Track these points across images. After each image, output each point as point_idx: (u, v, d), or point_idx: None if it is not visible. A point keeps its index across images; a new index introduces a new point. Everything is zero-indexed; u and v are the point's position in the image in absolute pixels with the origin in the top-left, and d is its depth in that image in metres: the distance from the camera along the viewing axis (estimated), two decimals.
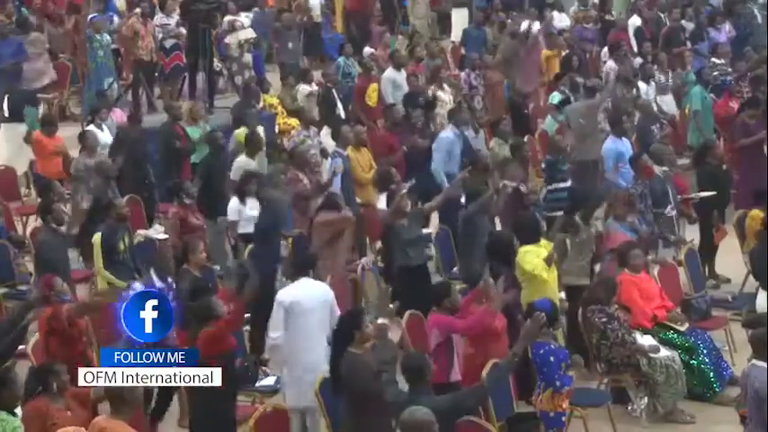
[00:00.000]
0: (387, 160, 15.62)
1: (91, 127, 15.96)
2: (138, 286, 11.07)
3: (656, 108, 18.29)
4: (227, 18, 20.96)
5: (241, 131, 16.01)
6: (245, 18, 21.27)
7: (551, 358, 10.17)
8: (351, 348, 9.29)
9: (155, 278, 11.28)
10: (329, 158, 15.15)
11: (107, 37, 19.77)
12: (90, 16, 20.35)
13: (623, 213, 13.31)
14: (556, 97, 18.23)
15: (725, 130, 17.76)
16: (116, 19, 21.35)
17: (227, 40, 20.61)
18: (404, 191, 12.99)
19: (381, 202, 13.98)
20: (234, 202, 13.61)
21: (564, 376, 10.17)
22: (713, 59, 20.24)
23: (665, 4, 24.57)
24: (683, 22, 23.52)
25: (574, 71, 19.23)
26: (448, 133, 15.49)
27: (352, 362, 9.23)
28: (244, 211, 13.52)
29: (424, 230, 14.01)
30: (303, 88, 18.59)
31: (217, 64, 20.06)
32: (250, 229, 13.25)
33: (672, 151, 15.49)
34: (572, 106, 17.17)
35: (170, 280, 11.36)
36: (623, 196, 13.62)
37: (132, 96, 19.73)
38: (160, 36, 20.04)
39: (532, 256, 11.67)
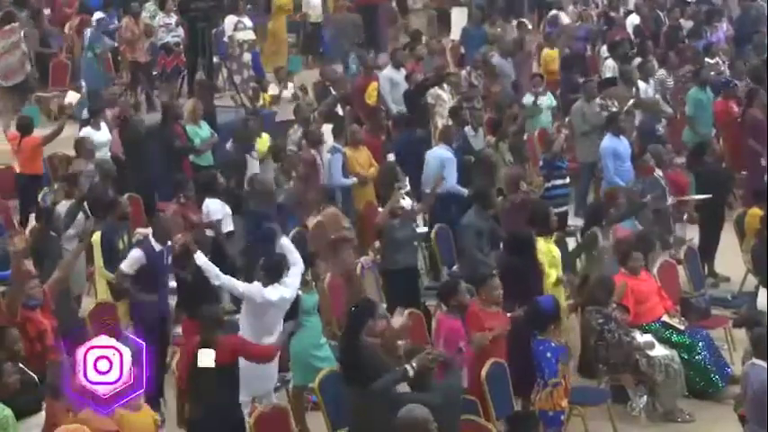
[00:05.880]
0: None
1: (87, 128, 15.92)
2: (136, 255, 11.22)
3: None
4: (233, 18, 21.02)
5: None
6: (247, 20, 21.30)
7: (548, 354, 10.22)
8: (363, 337, 9.33)
9: (153, 242, 11.37)
10: (328, 154, 15.20)
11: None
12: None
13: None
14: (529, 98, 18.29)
15: (725, 130, 17.72)
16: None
17: (226, 38, 20.65)
18: (402, 191, 13.05)
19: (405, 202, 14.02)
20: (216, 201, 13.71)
21: (551, 365, 10.20)
22: (707, 59, 20.25)
23: (665, 2, 24.63)
24: (681, 20, 23.57)
25: (573, 71, 19.24)
26: (448, 153, 15.18)
27: (367, 348, 9.26)
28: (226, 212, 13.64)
29: (420, 229, 14.08)
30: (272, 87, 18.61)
31: (217, 62, 20.07)
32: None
33: (669, 151, 15.50)
34: (576, 105, 17.19)
35: (169, 244, 11.48)
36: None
37: (132, 96, 19.75)
38: (167, 37, 20.08)
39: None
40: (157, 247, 11.39)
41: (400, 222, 12.69)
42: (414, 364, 9.12)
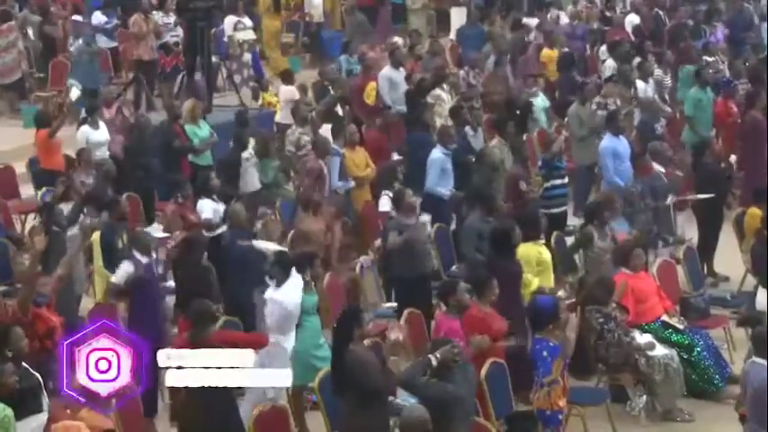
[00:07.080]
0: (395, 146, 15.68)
1: (85, 126, 15.94)
2: (125, 267, 11.26)
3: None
4: (232, 18, 20.99)
5: None
6: (247, 20, 21.30)
7: (545, 353, 10.20)
8: (352, 345, 9.27)
9: (138, 256, 11.35)
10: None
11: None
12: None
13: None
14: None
15: (724, 130, 17.69)
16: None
17: (226, 38, 20.64)
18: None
19: (384, 205, 13.95)
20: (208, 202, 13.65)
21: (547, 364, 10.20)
22: (705, 58, 20.23)
23: (664, 1, 24.62)
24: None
25: (571, 71, 19.22)
26: (438, 153, 15.17)
27: (355, 358, 9.21)
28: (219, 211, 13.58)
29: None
30: (284, 89, 18.57)
31: (216, 62, 20.07)
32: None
33: (668, 149, 15.50)
34: (571, 109, 17.17)
35: (154, 256, 11.61)
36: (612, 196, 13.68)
37: (133, 95, 19.75)
38: (166, 37, 20.08)
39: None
40: (144, 259, 11.37)
41: (415, 227, 12.64)
42: (438, 355, 9.12)
